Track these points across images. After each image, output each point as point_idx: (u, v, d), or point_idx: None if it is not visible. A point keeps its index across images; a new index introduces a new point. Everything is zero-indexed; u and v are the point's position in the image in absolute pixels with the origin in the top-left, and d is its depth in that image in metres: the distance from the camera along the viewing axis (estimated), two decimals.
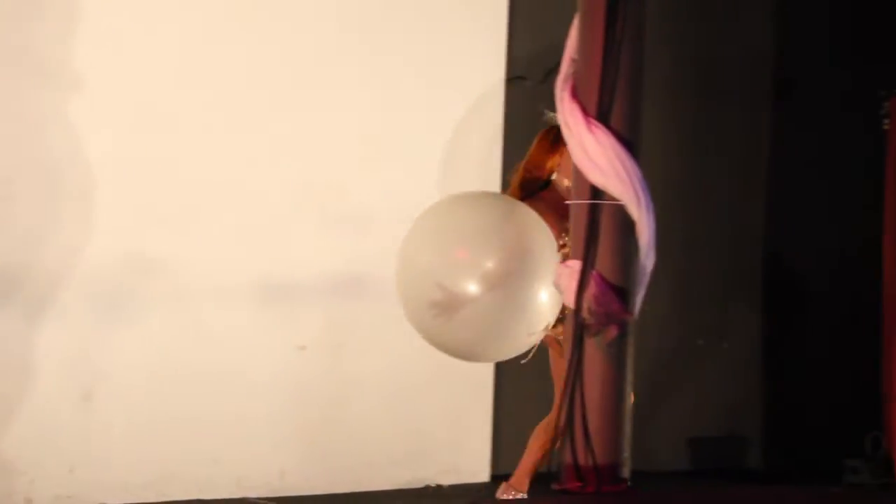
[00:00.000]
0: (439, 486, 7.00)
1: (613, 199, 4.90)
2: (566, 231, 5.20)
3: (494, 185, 7.16)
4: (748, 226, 8.11)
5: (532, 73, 7.22)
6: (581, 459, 4.90)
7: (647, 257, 4.98)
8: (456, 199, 5.49)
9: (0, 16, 5.97)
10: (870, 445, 7.62)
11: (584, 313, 4.89)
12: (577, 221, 4.97)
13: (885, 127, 7.71)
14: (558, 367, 5.51)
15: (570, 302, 4.92)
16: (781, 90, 8.15)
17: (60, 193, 6.15)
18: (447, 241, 5.20)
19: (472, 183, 7.08)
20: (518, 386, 7.18)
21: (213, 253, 6.45)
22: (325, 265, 6.73)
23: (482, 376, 7.15)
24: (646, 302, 5.06)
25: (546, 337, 5.29)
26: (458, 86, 7.08)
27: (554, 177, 5.70)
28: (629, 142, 4.92)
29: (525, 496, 5.76)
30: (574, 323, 4.93)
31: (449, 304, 5.08)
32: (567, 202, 5.14)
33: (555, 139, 5.59)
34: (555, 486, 4.98)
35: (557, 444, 4.96)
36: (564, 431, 4.90)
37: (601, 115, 4.91)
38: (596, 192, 4.92)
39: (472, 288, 5.04)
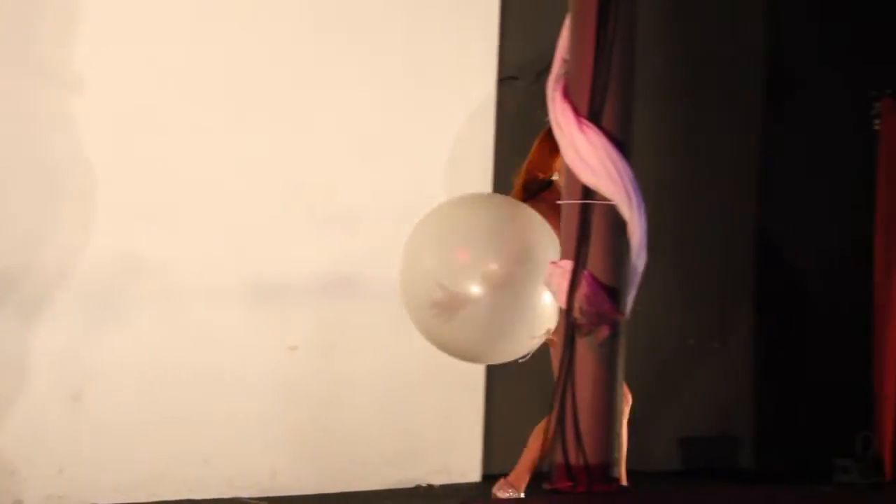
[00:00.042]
0: (430, 486, 7.00)
1: (605, 199, 4.90)
2: None
3: (486, 185, 7.17)
4: (740, 226, 8.12)
5: (524, 74, 7.23)
6: (572, 459, 4.90)
7: (639, 257, 4.98)
8: (459, 200, 5.50)
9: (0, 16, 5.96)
10: (860, 445, 7.64)
11: (576, 313, 4.89)
12: (569, 221, 4.97)
13: (876, 127, 7.73)
14: None
15: (562, 302, 4.93)
16: (773, 90, 8.17)
17: (52, 194, 6.14)
18: (450, 243, 5.22)
19: (464, 183, 7.08)
20: (509, 386, 7.19)
21: (203, 253, 6.44)
22: (316, 265, 6.73)
23: (473, 376, 7.15)
24: (637, 302, 5.06)
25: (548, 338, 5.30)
26: (450, 86, 7.08)
27: (556, 178, 5.70)
28: (621, 142, 4.92)
29: (521, 495, 5.76)
30: (565, 323, 4.93)
31: (449, 305, 5.09)
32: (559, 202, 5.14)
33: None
34: (546, 486, 4.98)
35: (549, 445, 4.97)
36: (556, 431, 4.90)
37: (593, 115, 4.91)
38: (587, 192, 4.92)
39: (475, 289, 5.06)
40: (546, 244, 5.18)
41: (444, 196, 6.98)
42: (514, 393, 7.18)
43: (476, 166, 7.16)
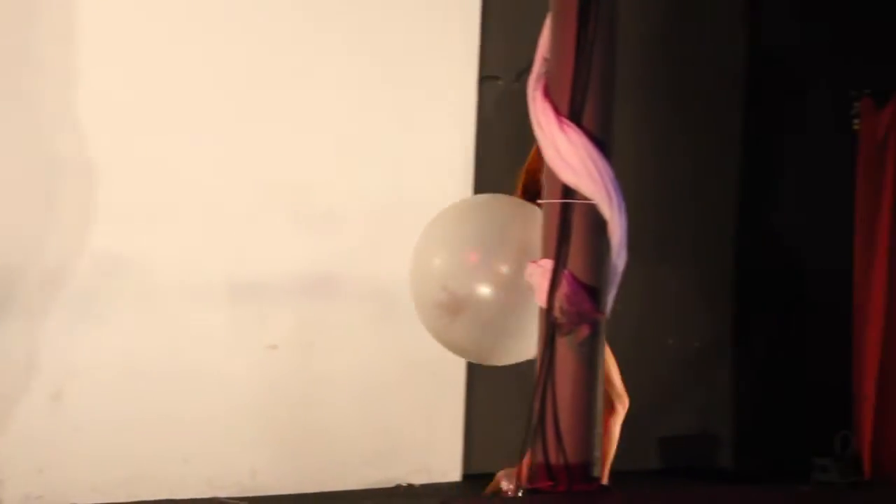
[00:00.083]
0: (410, 486, 6.99)
1: (585, 198, 4.91)
2: None
3: (467, 184, 7.17)
4: (720, 225, 8.14)
5: (504, 73, 7.23)
6: (552, 458, 4.90)
7: (619, 257, 4.99)
8: (468, 201, 5.50)
9: None
10: (839, 444, 7.66)
11: (556, 312, 4.89)
12: (549, 221, 4.97)
13: (856, 127, 7.75)
14: None
15: (542, 301, 4.93)
16: (754, 91, 8.19)
17: (29, 193, 6.12)
18: (458, 244, 5.23)
19: (445, 183, 7.08)
20: (490, 385, 7.19)
21: (183, 252, 6.43)
22: (295, 265, 6.72)
23: (454, 376, 7.15)
24: (618, 301, 5.07)
25: None
26: (431, 85, 7.08)
27: None
28: (601, 141, 4.93)
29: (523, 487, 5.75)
30: (545, 322, 4.94)
31: (453, 307, 5.10)
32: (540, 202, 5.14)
33: None
34: (526, 486, 4.98)
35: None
36: (536, 431, 4.90)
37: (573, 114, 4.91)
38: (568, 192, 4.92)
39: (483, 290, 5.07)
40: None
41: (425, 196, 6.99)
42: (494, 392, 7.18)
43: (457, 166, 7.16)
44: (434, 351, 6.99)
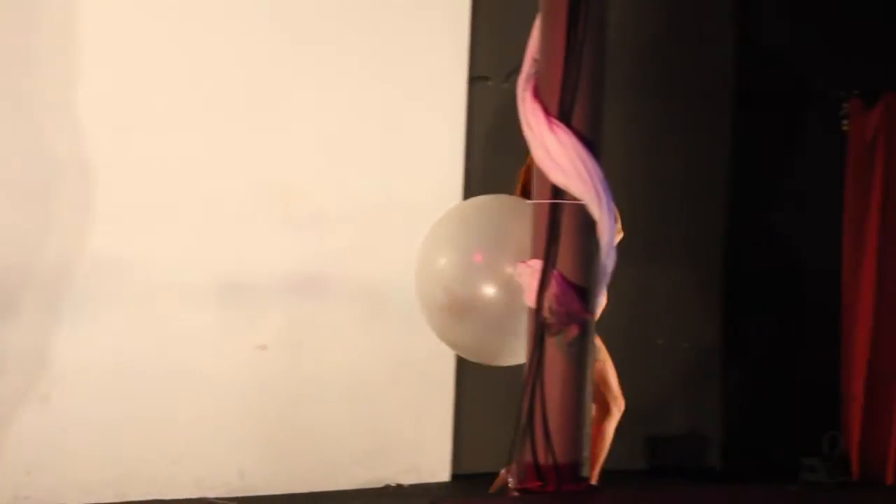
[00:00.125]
0: (399, 486, 6.99)
1: (575, 198, 4.91)
2: None
3: (457, 185, 7.17)
4: (709, 226, 8.15)
5: (494, 74, 7.23)
6: (541, 458, 4.90)
7: (608, 257, 4.99)
8: (473, 202, 5.50)
9: None
10: (827, 444, 7.68)
11: (545, 313, 4.89)
12: (538, 221, 4.98)
13: (845, 128, 7.76)
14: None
15: (531, 301, 4.93)
16: (743, 91, 8.20)
17: (20, 194, 6.11)
18: (463, 244, 5.23)
19: (435, 184, 7.09)
20: (479, 385, 7.19)
21: (172, 252, 6.42)
22: (285, 265, 6.71)
23: (443, 375, 7.15)
24: (607, 302, 5.08)
25: None
26: (421, 86, 7.08)
27: None
28: (591, 142, 4.93)
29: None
30: (535, 322, 4.94)
31: (456, 309, 5.11)
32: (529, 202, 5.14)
33: None
34: (515, 486, 4.99)
35: None
36: (525, 431, 4.91)
37: (563, 114, 4.92)
38: (557, 192, 4.92)
39: (488, 290, 5.07)
40: None
41: (415, 197, 7.00)
42: (483, 392, 7.18)
43: (446, 166, 7.16)
44: (423, 351, 7.04)
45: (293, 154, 6.75)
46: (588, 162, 4.89)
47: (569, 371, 4.94)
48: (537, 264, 4.93)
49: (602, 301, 5.76)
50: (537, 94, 4.97)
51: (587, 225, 4.93)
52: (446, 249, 5.25)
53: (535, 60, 5.04)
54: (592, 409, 5.80)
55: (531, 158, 5.64)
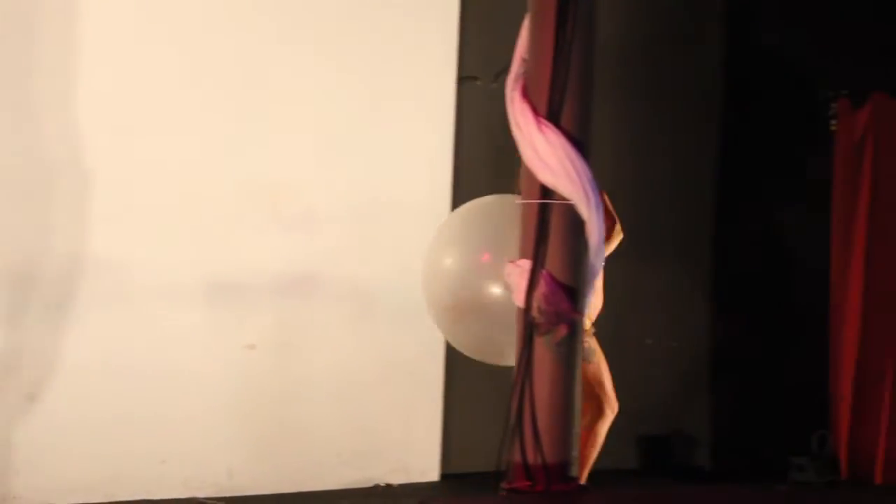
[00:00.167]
0: (389, 486, 6.99)
1: (563, 198, 4.91)
2: None
3: (446, 184, 7.16)
4: (698, 226, 8.15)
5: (483, 73, 7.23)
6: (530, 458, 4.91)
7: (597, 257, 5.00)
8: (480, 202, 5.52)
9: None
10: (816, 444, 7.69)
11: (534, 312, 4.89)
12: (527, 221, 4.98)
13: (833, 128, 7.78)
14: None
15: (520, 301, 4.93)
16: (731, 91, 8.21)
17: (7, 194, 6.09)
18: (470, 244, 5.24)
19: (424, 183, 7.08)
20: (468, 385, 7.19)
21: (161, 252, 6.41)
22: (273, 265, 6.70)
23: (432, 375, 7.15)
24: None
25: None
26: (410, 86, 7.07)
27: None
28: (579, 142, 4.94)
29: None
30: (523, 322, 4.94)
31: (459, 310, 5.13)
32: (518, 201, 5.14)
33: None
34: (504, 486, 4.99)
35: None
36: (514, 431, 4.91)
37: (551, 114, 4.92)
38: (546, 192, 4.93)
39: (495, 290, 5.09)
40: None
41: (403, 197, 7.00)
42: (472, 392, 7.18)
43: (435, 166, 7.16)
44: (412, 351, 7.04)
45: (282, 154, 6.75)
46: (577, 162, 4.90)
47: (558, 371, 4.94)
48: (526, 264, 4.93)
49: (598, 303, 5.78)
50: (526, 94, 4.97)
51: (576, 225, 4.93)
52: (456, 249, 5.26)
53: (524, 60, 5.04)
54: (584, 409, 5.82)
55: None
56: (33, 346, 6.12)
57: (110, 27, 6.31)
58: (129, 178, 6.35)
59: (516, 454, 4.93)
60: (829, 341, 7.73)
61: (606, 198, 5.90)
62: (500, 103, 5.17)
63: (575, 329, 4.95)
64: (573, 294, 4.93)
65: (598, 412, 5.99)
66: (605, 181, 5.00)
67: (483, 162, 7.22)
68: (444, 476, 7.15)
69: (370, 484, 6.96)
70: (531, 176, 4.94)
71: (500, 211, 5.31)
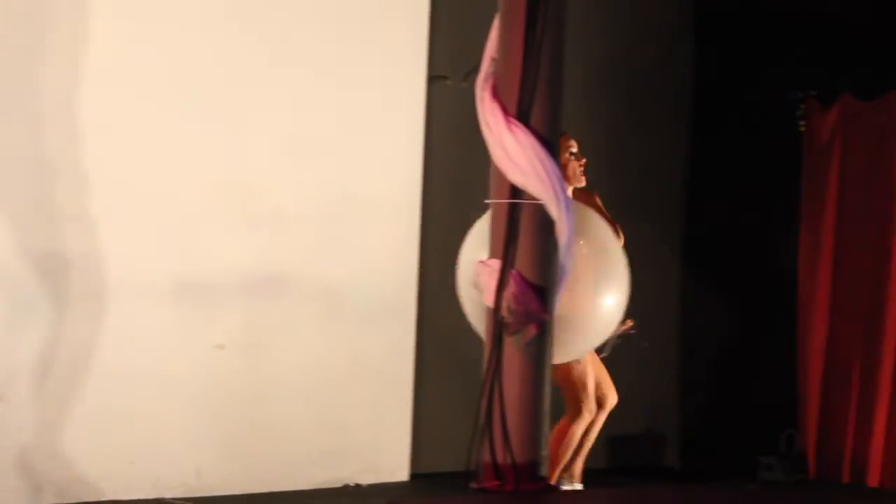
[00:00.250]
0: (358, 486, 6.98)
1: (533, 198, 4.92)
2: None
3: (416, 184, 7.16)
4: (667, 225, 8.18)
5: (453, 73, 7.23)
6: (500, 458, 4.91)
7: (567, 256, 5.00)
8: None
9: None
10: (784, 443, 7.72)
11: (504, 312, 4.90)
12: (497, 220, 4.98)
13: (802, 128, 7.81)
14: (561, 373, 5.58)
15: (490, 301, 4.94)
16: (701, 92, 8.24)
17: None
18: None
19: (394, 182, 7.08)
20: (438, 385, 7.19)
21: (129, 251, 6.37)
22: (243, 264, 6.68)
23: (401, 375, 7.14)
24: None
25: None
26: (380, 85, 7.06)
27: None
28: (549, 141, 4.95)
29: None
30: (493, 322, 4.94)
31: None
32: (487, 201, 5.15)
33: None
34: (473, 485, 4.99)
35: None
36: (483, 430, 4.91)
37: (521, 114, 4.93)
38: (516, 192, 4.93)
39: None
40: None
41: (373, 196, 6.99)
42: (442, 391, 7.18)
43: (406, 165, 7.15)
44: (382, 350, 7.03)
45: (251, 152, 6.72)
46: (546, 162, 4.91)
47: (527, 371, 4.95)
48: (496, 264, 4.93)
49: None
50: (496, 94, 4.98)
51: (545, 224, 4.94)
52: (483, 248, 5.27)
53: (494, 60, 5.05)
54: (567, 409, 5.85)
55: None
56: (0, 345, 6.08)
57: (86, 28, 6.27)
58: (98, 177, 6.31)
59: (486, 454, 4.94)
60: (797, 341, 7.76)
61: (599, 200, 5.92)
62: (471, 103, 5.17)
63: (545, 329, 4.95)
64: (543, 294, 4.93)
65: (576, 413, 5.99)
66: None
67: (453, 161, 7.21)
68: (414, 476, 7.15)
69: (339, 484, 6.94)
70: (501, 176, 4.95)
71: None
